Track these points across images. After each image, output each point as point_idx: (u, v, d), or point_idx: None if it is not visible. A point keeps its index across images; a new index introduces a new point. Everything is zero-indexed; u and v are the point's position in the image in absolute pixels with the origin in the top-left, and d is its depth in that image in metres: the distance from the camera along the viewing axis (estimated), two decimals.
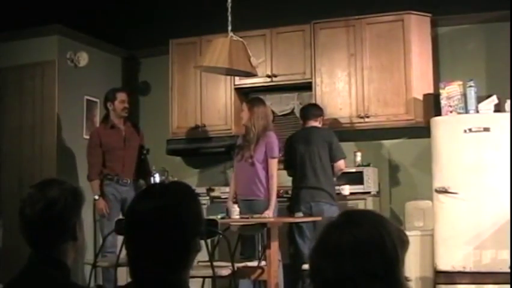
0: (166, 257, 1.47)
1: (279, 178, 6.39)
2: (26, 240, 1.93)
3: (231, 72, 5.13)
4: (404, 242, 1.34)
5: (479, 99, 5.36)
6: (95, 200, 5.28)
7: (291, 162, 5.40)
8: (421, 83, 5.76)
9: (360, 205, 5.52)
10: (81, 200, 2.00)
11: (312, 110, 5.52)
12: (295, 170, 5.36)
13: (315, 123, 5.41)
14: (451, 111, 5.39)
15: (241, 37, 4.81)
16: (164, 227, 1.47)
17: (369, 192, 5.69)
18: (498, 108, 5.31)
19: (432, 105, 5.70)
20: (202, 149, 6.45)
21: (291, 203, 5.33)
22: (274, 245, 4.37)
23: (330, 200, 5.16)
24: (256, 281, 4.82)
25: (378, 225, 1.30)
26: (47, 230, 1.90)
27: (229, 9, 4.77)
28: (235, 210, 4.59)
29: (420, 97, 5.73)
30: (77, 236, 1.96)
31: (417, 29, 5.79)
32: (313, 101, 5.99)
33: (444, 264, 5.12)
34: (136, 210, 1.52)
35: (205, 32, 6.22)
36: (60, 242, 1.92)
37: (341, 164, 5.26)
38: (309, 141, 5.28)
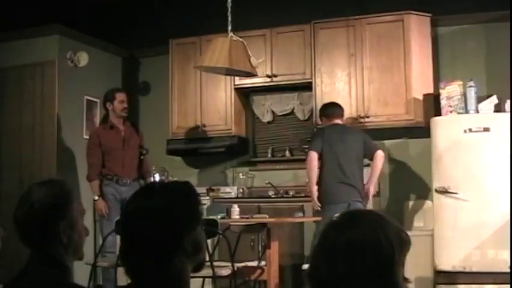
0: (156, 257, 1.48)
1: (283, 177, 6.43)
2: (20, 240, 1.94)
3: (231, 72, 5.13)
4: (404, 243, 1.34)
5: (479, 99, 5.36)
6: (94, 200, 5.28)
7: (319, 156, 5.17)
8: (421, 83, 5.76)
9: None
10: (66, 199, 1.95)
11: (338, 109, 5.41)
12: (324, 166, 5.18)
13: (340, 122, 5.35)
14: (451, 111, 5.39)
15: (241, 37, 4.81)
16: (149, 227, 1.48)
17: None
18: (498, 108, 5.31)
19: (432, 105, 5.70)
20: (202, 149, 6.45)
21: (324, 200, 5.12)
22: (274, 245, 4.37)
23: (361, 198, 5.12)
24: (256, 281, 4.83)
25: (375, 226, 1.31)
26: (32, 230, 1.91)
27: (229, 9, 4.77)
28: (235, 210, 4.59)
29: (420, 97, 5.73)
30: (67, 236, 1.93)
31: (417, 29, 5.79)
32: (314, 101, 6.00)
33: (444, 264, 5.12)
34: (127, 211, 1.55)
35: (205, 32, 6.23)
36: (51, 242, 1.92)
37: (380, 152, 5.18)
38: (345, 139, 5.17)
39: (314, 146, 5.17)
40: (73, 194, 2.00)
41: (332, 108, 5.41)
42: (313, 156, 5.10)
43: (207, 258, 4.18)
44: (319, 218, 4.95)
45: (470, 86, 5.35)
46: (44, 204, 1.91)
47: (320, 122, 5.59)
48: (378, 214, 1.40)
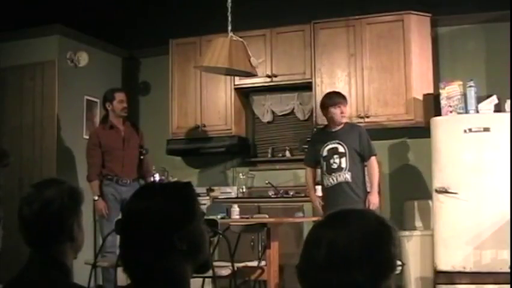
0: (154, 257, 1.49)
1: (283, 177, 6.43)
2: (24, 239, 1.93)
3: (231, 72, 5.13)
4: (380, 238, 1.38)
5: (479, 99, 5.36)
6: (94, 200, 5.28)
7: None
8: (421, 83, 5.76)
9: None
10: (79, 200, 1.99)
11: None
12: None
13: None
14: (451, 111, 5.39)
15: (241, 37, 4.81)
16: (147, 227, 1.49)
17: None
18: (498, 108, 5.31)
19: (432, 105, 5.70)
20: (202, 149, 6.45)
21: None
22: (274, 245, 4.37)
23: None
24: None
25: (340, 225, 1.39)
26: (43, 229, 1.90)
27: (229, 9, 4.77)
28: (235, 210, 4.59)
29: (420, 97, 5.73)
30: (74, 236, 1.95)
31: (417, 29, 5.79)
32: (314, 101, 5.98)
33: (444, 264, 5.12)
34: (125, 211, 1.56)
35: (205, 32, 6.23)
36: (58, 242, 1.92)
37: None
38: None
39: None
40: (83, 194, 2.02)
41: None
42: None
43: None
44: (319, 218, 4.94)
45: (470, 86, 5.35)
46: (59, 203, 1.91)
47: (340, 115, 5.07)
48: (354, 214, 1.45)
